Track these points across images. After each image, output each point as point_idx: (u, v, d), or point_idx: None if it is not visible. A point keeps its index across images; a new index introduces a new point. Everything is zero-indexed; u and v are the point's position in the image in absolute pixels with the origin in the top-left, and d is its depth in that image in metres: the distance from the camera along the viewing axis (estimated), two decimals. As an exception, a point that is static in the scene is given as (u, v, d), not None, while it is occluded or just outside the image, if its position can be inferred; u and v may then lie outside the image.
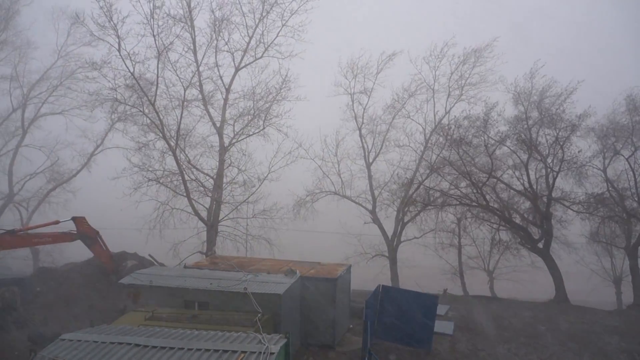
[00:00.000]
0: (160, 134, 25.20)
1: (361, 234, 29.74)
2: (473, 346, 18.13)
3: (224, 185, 26.98)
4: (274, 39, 26.50)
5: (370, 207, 29.90)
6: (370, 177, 30.30)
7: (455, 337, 19.02)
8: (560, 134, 24.91)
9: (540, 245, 26.32)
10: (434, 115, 29.39)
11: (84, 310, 18.96)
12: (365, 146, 30.53)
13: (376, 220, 29.58)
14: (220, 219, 26.78)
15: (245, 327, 11.58)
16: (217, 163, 26.97)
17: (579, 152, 25.16)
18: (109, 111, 26.67)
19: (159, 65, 24.24)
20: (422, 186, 27.76)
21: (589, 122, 25.62)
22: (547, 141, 25.60)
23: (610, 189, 26.51)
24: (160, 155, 26.49)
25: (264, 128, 27.14)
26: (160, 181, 25.97)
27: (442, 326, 19.27)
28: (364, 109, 30.19)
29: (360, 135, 30.46)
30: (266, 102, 27.18)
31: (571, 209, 26.02)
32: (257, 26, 26.32)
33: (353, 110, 30.29)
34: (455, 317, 21.77)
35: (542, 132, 25.67)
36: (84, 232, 21.00)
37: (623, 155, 26.18)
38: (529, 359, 17.36)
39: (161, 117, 25.24)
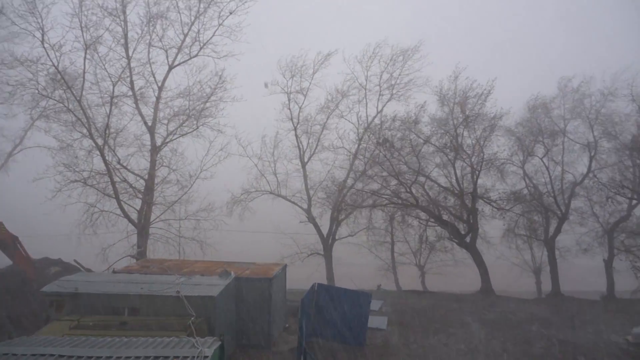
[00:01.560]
0: (87, 132, 24.10)
1: (297, 233, 29.92)
2: (405, 339, 18.69)
3: (155, 185, 26.22)
4: (210, 38, 26.11)
5: (305, 206, 30.10)
6: (305, 176, 30.48)
7: (389, 331, 19.55)
8: (480, 134, 26.29)
9: (467, 239, 27.62)
10: (366, 116, 30.03)
11: (2, 322, 17.79)
12: (301, 146, 30.68)
13: (311, 219, 29.82)
14: (151, 220, 26.01)
15: (178, 332, 11.34)
16: (149, 163, 26.16)
17: (495, 153, 26.73)
18: (29, 106, 25.08)
19: (86, 59, 23.28)
20: (353, 188, 28.32)
21: (507, 122, 27.33)
22: (470, 141, 26.91)
23: (529, 185, 28.32)
24: (87, 155, 25.33)
25: (197, 128, 26.68)
26: (87, 182, 24.84)
27: (376, 321, 19.71)
28: (300, 108, 30.34)
29: (296, 135, 30.57)
30: (202, 102, 26.71)
31: (492, 206, 27.50)
32: (192, 24, 25.80)
33: (289, 109, 30.37)
34: (388, 312, 22.36)
35: (466, 132, 26.93)
36: (1, 238, 19.73)
37: (537, 156, 28.06)
38: (457, 348, 18.08)
39: (88, 114, 24.15)
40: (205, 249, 26.40)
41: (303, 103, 30.22)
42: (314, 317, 16.85)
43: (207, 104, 26.77)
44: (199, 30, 25.94)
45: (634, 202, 24.47)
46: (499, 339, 19.13)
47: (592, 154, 27.23)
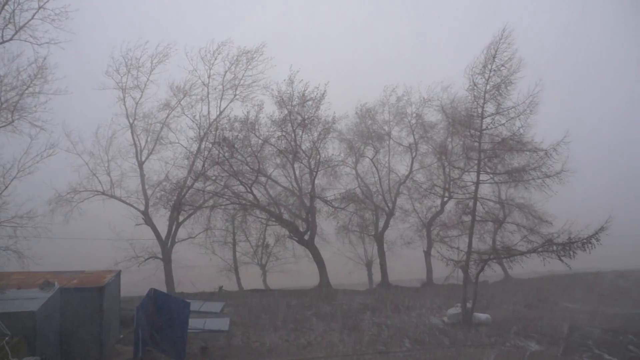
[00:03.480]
0: None
1: (133, 237, 28.22)
2: (247, 339, 18.83)
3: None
4: (28, 21, 23.10)
5: (142, 207, 28.55)
6: (142, 176, 28.92)
7: (231, 332, 19.50)
8: (317, 136, 27.63)
9: (306, 237, 28.81)
10: (208, 115, 29.53)
11: None
12: (138, 144, 29.06)
13: (149, 222, 28.38)
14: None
15: (-12, 355, 9.97)
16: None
17: (331, 155, 28.38)
18: None
19: None
20: (194, 188, 27.74)
21: (341, 126, 29.13)
22: (308, 143, 28.09)
23: (361, 185, 30.58)
24: None
25: (12, 122, 23.55)
26: None
27: (217, 323, 19.52)
28: (137, 104, 28.72)
29: (132, 132, 28.86)
30: (17, 94, 23.62)
31: (329, 205, 29.11)
32: (6, 3, 22.56)
33: (125, 106, 28.55)
34: (230, 312, 22.31)
35: (304, 135, 28.03)
36: None
37: (367, 157, 30.48)
38: (298, 343, 18.73)
39: None
40: (25, 260, 23.44)
41: (140, 99, 28.71)
42: (151, 326, 16.02)
43: (25, 96, 23.79)
44: (13, 11, 22.86)
45: (445, 198, 27.84)
46: (336, 330, 20.29)
47: (413, 156, 30.39)
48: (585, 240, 18.60)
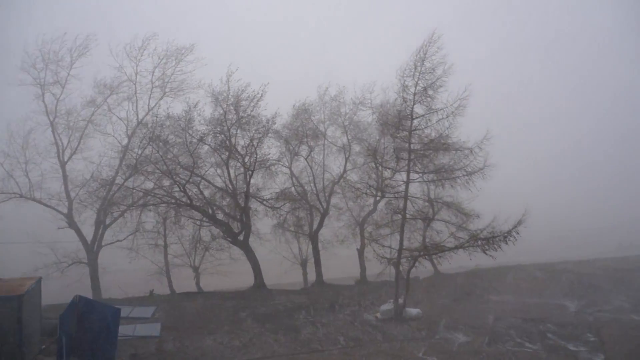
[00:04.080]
0: None
1: (55, 241, 26.69)
2: (180, 343, 18.43)
3: None
4: None
5: (65, 210, 27.07)
6: (65, 177, 27.42)
7: (163, 337, 18.99)
8: (254, 135, 27.36)
9: (241, 237, 28.47)
10: (136, 112, 28.44)
11: None
12: (60, 143, 27.53)
13: (73, 225, 26.94)
14: None
15: None
16: None
17: (268, 155, 28.16)
18: None
19: None
20: (123, 186, 26.67)
21: (277, 125, 28.99)
22: (244, 142, 27.74)
23: (296, 184, 30.64)
24: None
25: None
26: None
27: (148, 329, 18.96)
28: (57, 101, 27.20)
29: (53, 131, 27.31)
30: None
31: (264, 204, 28.95)
32: None
33: (44, 102, 26.95)
34: (162, 317, 21.73)
35: (240, 133, 27.66)
36: None
37: (302, 156, 30.58)
38: (232, 345, 18.60)
39: None
40: None
41: (61, 95, 27.22)
42: (76, 335, 15.19)
43: None
44: None
45: (378, 198, 28.46)
46: (271, 330, 20.33)
47: (347, 156, 30.82)
48: (506, 234, 19.73)
